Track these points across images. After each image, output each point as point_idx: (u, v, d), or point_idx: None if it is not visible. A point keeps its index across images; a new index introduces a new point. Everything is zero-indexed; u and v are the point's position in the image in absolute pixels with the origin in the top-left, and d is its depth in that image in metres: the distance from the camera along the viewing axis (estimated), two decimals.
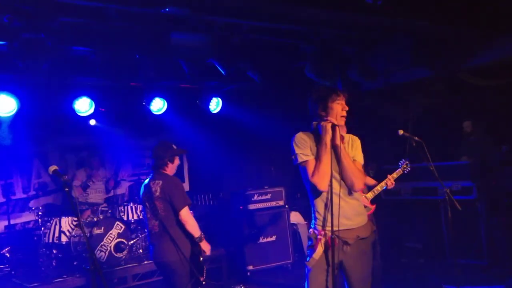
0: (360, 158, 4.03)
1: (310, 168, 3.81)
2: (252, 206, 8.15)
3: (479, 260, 7.28)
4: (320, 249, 3.81)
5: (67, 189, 3.88)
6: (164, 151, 5.08)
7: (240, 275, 7.92)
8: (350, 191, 3.90)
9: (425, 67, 6.82)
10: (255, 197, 8.18)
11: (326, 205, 3.85)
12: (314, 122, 3.95)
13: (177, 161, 5.18)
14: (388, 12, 5.47)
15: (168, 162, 5.08)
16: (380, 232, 6.28)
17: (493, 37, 6.44)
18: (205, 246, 5.03)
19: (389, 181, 5.91)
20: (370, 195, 5.93)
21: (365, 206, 5.80)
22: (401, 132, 5.08)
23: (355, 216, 3.94)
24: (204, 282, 5.03)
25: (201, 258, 5.05)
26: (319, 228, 3.88)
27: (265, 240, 8.07)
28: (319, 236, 3.85)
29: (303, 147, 3.87)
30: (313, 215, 3.98)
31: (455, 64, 6.75)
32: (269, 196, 8.28)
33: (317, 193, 3.88)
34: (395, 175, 5.95)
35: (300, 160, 3.85)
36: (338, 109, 3.87)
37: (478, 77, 7.32)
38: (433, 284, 6.81)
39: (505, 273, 6.68)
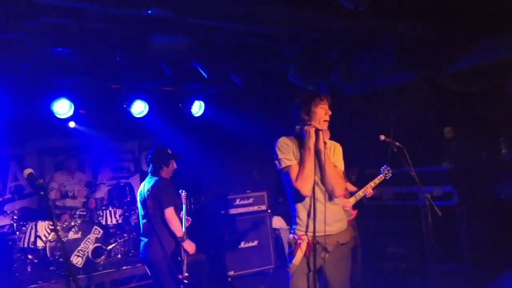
0: (341, 165, 4.04)
1: (294, 173, 3.79)
2: (234, 211, 8.07)
3: (461, 265, 7.30)
4: (300, 255, 3.81)
5: (42, 192, 3.81)
6: (159, 157, 5.45)
7: (221, 281, 7.82)
8: (331, 196, 3.89)
9: (408, 71, 6.84)
10: (237, 202, 8.11)
11: (307, 210, 3.85)
12: (297, 127, 3.93)
13: (173, 165, 5.54)
14: (371, 16, 5.47)
15: (164, 166, 5.43)
16: (363, 237, 6.28)
17: (476, 42, 6.48)
18: (188, 246, 5.25)
19: (368, 189, 5.96)
20: (352, 200, 5.95)
21: (346, 211, 5.83)
22: (382, 137, 5.07)
23: (336, 222, 3.95)
24: (186, 281, 5.20)
25: (179, 258, 5.22)
26: (299, 233, 3.87)
27: (246, 245, 8.00)
28: (298, 241, 3.84)
29: (286, 151, 3.85)
30: (293, 220, 3.97)
31: (438, 68, 6.78)
32: (251, 200, 8.22)
33: (299, 198, 3.87)
34: (376, 181, 6.00)
35: (283, 165, 3.83)
36: (321, 113, 3.86)
37: (459, 83, 7.36)
38: None
39: (486, 278, 6.70)
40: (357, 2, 4.14)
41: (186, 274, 5.21)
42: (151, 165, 5.47)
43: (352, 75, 6.85)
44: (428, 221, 5.16)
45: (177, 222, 5.19)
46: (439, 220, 5.11)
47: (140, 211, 5.43)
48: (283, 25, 5.71)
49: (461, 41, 6.45)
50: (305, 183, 3.73)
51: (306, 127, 3.79)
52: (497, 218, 7.24)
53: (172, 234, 5.19)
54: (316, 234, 3.75)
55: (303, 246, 3.80)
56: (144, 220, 5.33)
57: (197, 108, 7.82)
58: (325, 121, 3.87)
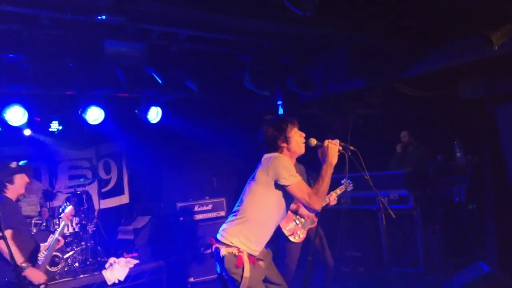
0: None
1: (304, 187, 3.81)
2: (192, 217, 8.05)
3: (416, 268, 7.42)
4: (247, 266, 3.76)
5: None
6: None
7: (181, 287, 7.79)
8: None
9: (361, 78, 6.95)
10: (196, 208, 8.11)
11: (264, 230, 3.93)
12: (313, 140, 3.97)
13: (22, 180, 4.98)
14: (323, 24, 5.55)
15: (7, 184, 4.88)
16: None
17: (426, 49, 6.63)
18: (32, 275, 4.66)
19: (332, 197, 6.01)
20: None
21: (310, 219, 5.93)
22: (337, 142, 5.12)
23: None
24: None
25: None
26: (240, 247, 3.81)
27: (206, 251, 7.98)
28: (239, 254, 3.78)
29: (292, 168, 3.85)
30: (240, 234, 3.86)
31: (391, 75, 6.91)
32: (210, 207, 8.22)
33: (269, 216, 3.90)
34: (338, 191, 6.04)
35: (294, 180, 3.79)
36: (297, 136, 3.98)
37: (414, 88, 7.51)
38: None
39: (440, 281, 6.86)
40: (304, 7, 4.21)
41: None
42: None
43: (307, 81, 6.93)
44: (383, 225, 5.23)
45: (8, 250, 4.09)
46: (396, 223, 5.21)
47: None
48: (237, 33, 5.74)
49: (413, 49, 6.59)
50: (322, 198, 3.78)
51: (330, 144, 3.86)
52: (451, 221, 7.39)
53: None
54: (258, 250, 3.90)
55: (245, 257, 3.78)
56: None
57: (154, 114, 7.75)
58: (303, 143, 4.00)
